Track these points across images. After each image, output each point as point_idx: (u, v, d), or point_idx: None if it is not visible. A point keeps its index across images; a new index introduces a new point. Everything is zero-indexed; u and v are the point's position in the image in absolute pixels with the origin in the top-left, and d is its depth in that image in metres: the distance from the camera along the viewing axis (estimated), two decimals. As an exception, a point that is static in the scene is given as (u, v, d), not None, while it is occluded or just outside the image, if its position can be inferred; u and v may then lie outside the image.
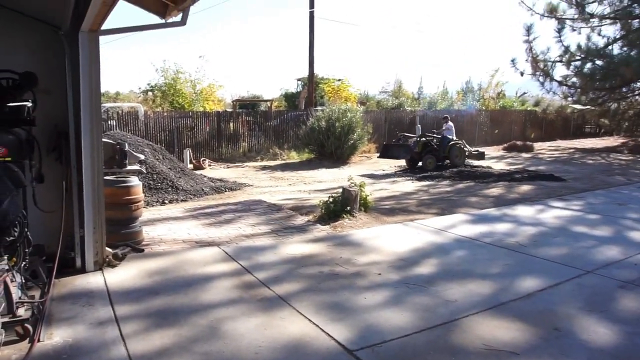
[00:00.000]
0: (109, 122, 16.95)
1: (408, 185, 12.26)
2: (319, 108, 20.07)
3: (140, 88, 30.18)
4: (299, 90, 31.57)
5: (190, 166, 15.50)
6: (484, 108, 29.01)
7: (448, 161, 15.26)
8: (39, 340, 3.33)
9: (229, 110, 25.36)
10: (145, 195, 9.86)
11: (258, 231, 7.02)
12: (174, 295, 4.34)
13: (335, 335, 3.61)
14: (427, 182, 12.52)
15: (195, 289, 4.52)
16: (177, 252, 5.80)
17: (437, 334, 3.65)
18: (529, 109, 28.83)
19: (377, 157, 16.65)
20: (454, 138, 15.75)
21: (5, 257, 3.48)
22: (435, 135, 15.84)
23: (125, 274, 4.85)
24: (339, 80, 25.14)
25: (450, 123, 16.12)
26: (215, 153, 18.36)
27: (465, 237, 6.52)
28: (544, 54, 19.72)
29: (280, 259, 5.58)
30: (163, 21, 5.37)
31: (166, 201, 9.73)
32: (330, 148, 16.57)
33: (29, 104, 4.26)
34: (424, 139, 15.34)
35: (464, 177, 13.00)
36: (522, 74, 20.55)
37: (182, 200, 9.96)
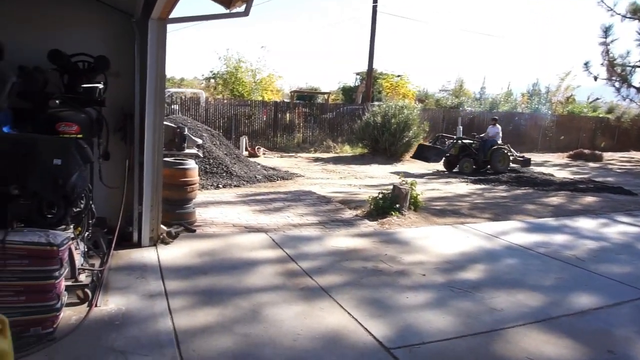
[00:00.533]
0: (172, 107, 17.74)
1: (462, 187, 11.90)
2: (376, 103, 19.87)
3: (203, 75, 31.28)
4: (357, 84, 31.40)
5: (245, 153, 15.93)
6: (550, 112, 27.47)
7: (489, 166, 14.50)
8: (96, 305, 3.58)
9: (287, 100, 25.74)
10: (200, 179, 10.26)
11: (306, 221, 7.10)
12: (220, 276, 4.50)
13: (373, 331, 3.60)
14: (482, 186, 12.10)
15: (241, 272, 4.66)
16: (226, 235, 6.00)
17: (478, 342, 3.54)
18: (600, 115, 27.00)
19: (411, 157, 16.05)
20: (499, 142, 14.90)
21: (72, 227, 3.76)
22: (475, 138, 15.09)
23: (177, 252, 5.09)
24: (398, 76, 24.78)
25: (497, 126, 15.27)
26: (270, 142, 18.73)
27: (518, 245, 6.25)
28: (623, 57, 18.30)
29: (325, 250, 5.62)
30: (227, 11, 5.54)
31: (220, 185, 10.07)
32: (384, 144, 16.41)
33: (101, 85, 4.55)
34: (460, 142, 14.63)
35: (522, 183, 12.43)
36: (595, 78, 19.20)
37: (235, 186, 10.26)
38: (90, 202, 3.93)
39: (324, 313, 3.88)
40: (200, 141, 7.82)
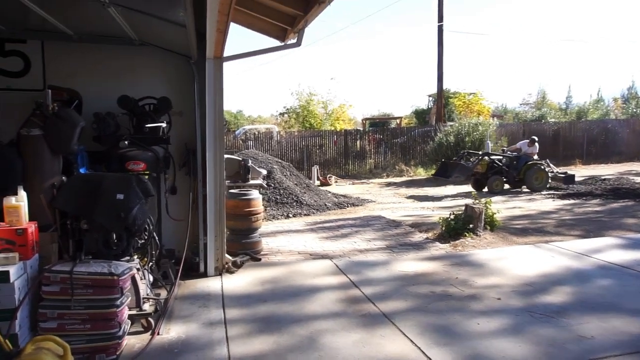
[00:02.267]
0: (247, 142, 18.62)
1: (547, 203, 10.93)
2: (449, 123, 19.26)
3: (277, 111, 32.66)
4: (430, 106, 30.82)
5: (317, 182, 16.12)
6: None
7: (525, 185, 12.95)
8: (158, 334, 3.70)
9: (360, 128, 25.87)
10: (271, 209, 10.53)
11: (373, 246, 6.91)
12: (280, 304, 4.46)
13: (437, 361, 3.31)
14: (571, 201, 11.02)
15: (301, 299, 4.59)
16: (290, 262, 6.00)
17: (561, 374, 3.10)
18: None
19: (432, 175, 14.58)
20: (535, 159, 13.29)
21: (136, 258, 3.98)
22: (505, 154, 13.61)
23: (240, 281, 5.16)
24: (471, 94, 23.90)
25: (536, 146, 13.64)
26: (342, 170, 18.82)
27: (613, 264, 5.51)
28: None
29: (391, 275, 5.38)
30: (282, 44, 5.74)
31: (290, 215, 10.20)
32: (459, 164, 15.69)
33: (164, 124, 4.87)
34: (487, 158, 13.12)
35: (620, 195, 11.13)
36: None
37: (305, 215, 10.34)
38: (154, 233, 4.13)
39: (384, 341, 3.66)
40: (264, 172, 8.04)
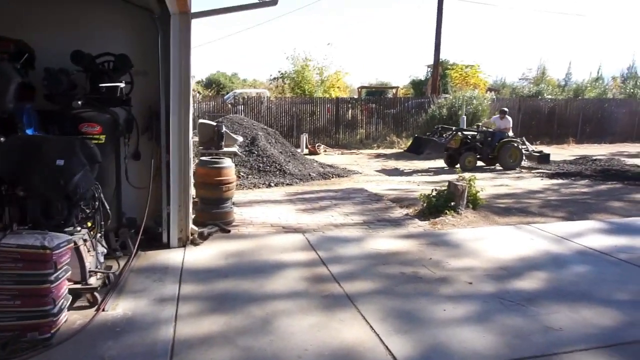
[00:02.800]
0: (237, 107, 18.12)
1: (535, 182, 10.73)
2: (444, 96, 18.80)
3: (271, 75, 31.83)
4: (427, 77, 30.15)
5: (305, 151, 15.80)
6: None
7: (498, 163, 12.66)
8: (103, 310, 3.48)
9: (355, 97, 25.29)
10: (253, 177, 10.26)
11: (349, 221, 6.69)
12: (240, 280, 4.25)
13: (394, 350, 3.12)
14: (559, 181, 10.82)
15: (264, 276, 4.38)
16: (260, 235, 5.77)
17: (522, 370, 2.93)
18: None
19: (404, 151, 14.11)
20: (510, 135, 12.96)
21: (84, 228, 3.71)
22: (479, 130, 13.21)
23: (203, 254, 4.93)
24: (469, 66, 23.26)
25: (508, 118, 13.29)
26: (332, 139, 18.46)
27: (593, 250, 5.34)
28: None
29: (363, 253, 5.18)
30: (258, 1, 5.31)
31: (272, 184, 9.94)
32: (451, 137, 15.37)
33: (122, 84, 4.50)
34: (460, 134, 12.74)
35: (609, 176, 10.95)
36: None
37: (287, 184, 10.08)
38: (104, 202, 3.84)
39: (342, 326, 3.47)
40: (240, 139, 7.72)
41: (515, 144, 12.79)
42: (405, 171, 12.52)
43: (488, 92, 21.24)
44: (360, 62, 76.08)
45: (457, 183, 7.11)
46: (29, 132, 3.97)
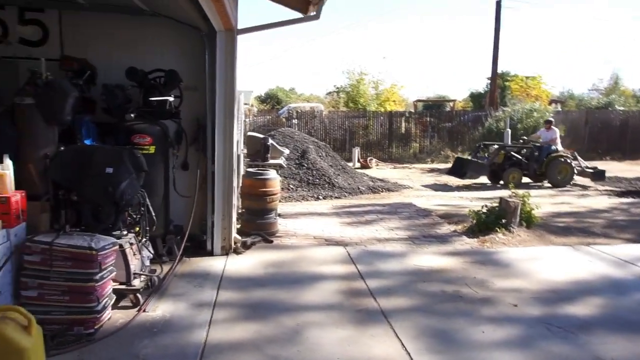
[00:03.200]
0: (291, 121, 18.49)
1: (601, 200, 9.98)
2: (503, 109, 18.09)
3: (327, 90, 32.25)
4: (487, 89, 29.20)
5: (357, 165, 15.76)
6: None
7: (547, 180, 11.59)
8: (144, 311, 3.65)
9: (411, 110, 24.99)
10: (302, 190, 10.37)
11: (394, 236, 6.57)
12: (277, 290, 4.30)
13: (423, 370, 3.01)
14: (630, 200, 9.98)
15: (300, 287, 4.40)
16: (302, 247, 5.81)
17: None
18: None
19: (446, 174, 13.06)
20: (559, 149, 11.85)
21: (131, 233, 3.93)
22: (526, 144, 12.20)
23: (244, 262, 5.05)
24: (530, 77, 22.19)
25: (554, 129, 12.16)
26: (385, 153, 18.28)
27: (661, 276, 4.87)
28: None
29: (403, 269, 5.06)
30: (301, 16, 5.45)
31: (320, 197, 9.98)
32: (509, 152, 14.70)
33: (171, 98, 4.76)
34: (503, 150, 11.83)
35: (691, 196, 9.95)
36: None
37: (335, 197, 10.09)
38: (150, 209, 4.06)
39: (372, 341, 3.40)
40: (287, 151, 7.85)
41: (565, 159, 11.80)
42: (455, 187, 12.08)
43: (552, 104, 20.18)
44: (417, 75, 75.18)
45: (509, 199, 6.78)
46: (86, 142, 4.30)
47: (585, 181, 12.16)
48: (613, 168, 15.65)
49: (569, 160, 11.80)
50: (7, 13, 4.93)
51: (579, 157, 12.40)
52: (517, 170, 11.74)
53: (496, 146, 12.45)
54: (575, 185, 11.90)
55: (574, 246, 6.08)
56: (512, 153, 11.94)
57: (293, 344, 3.31)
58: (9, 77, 4.34)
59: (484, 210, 6.84)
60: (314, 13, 5.20)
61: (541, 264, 5.29)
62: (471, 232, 6.69)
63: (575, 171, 11.85)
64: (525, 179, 11.95)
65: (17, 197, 3.18)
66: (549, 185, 11.75)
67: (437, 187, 11.93)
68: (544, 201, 9.50)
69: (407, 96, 33.06)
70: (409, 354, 3.22)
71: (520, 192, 7.21)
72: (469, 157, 12.70)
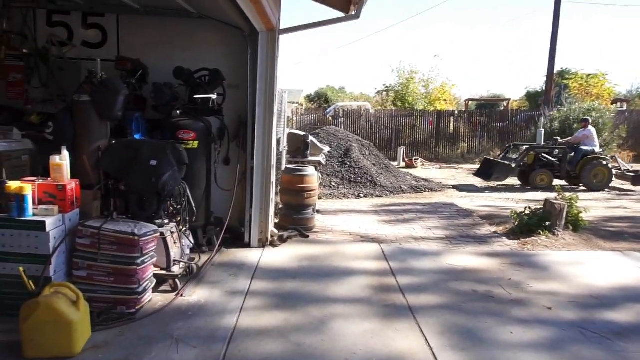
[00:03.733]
0: (338, 120, 18.64)
1: (663, 206, 9.35)
2: (559, 107, 17.26)
3: (376, 88, 32.09)
4: (544, 88, 27.89)
5: (402, 164, 15.64)
6: None
7: (582, 184, 10.89)
8: (182, 296, 3.90)
9: (462, 109, 24.40)
10: (344, 188, 10.48)
11: (431, 235, 6.53)
12: (307, 282, 4.43)
13: (444, 366, 3.04)
14: (697, 206, 9.28)
15: (331, 280, 4.51)
16: (337, 242, 5.92)
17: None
18: None
19: (473, 175, 12.59)
20: (596, 149, 11.09)
21: (173, 222, 4.21)
22: (559, 145, 11.49)
23: (279, 255, 5.23)
24: (591, 75, 20.95)
25: (590, 129, 11.33)
26: (432, 153, 18.02)
27: None
28: None
29: (436, 267, 5.05)
30: (342, 15, 5.55)
31: (362, 195, 10.04)
32: (562, 153, 14.03)
33: (214, 96, 5.02)
34: (532, 151, 11.29)
35: None
36: None
37: (377, 196, 10.11)
38: (190, 199, 4.32)
39: (396, 335, 3.45)
40: (327, 149, 7.97)
41: (603, 162, 11.18)
42: (501, 187, 11.70)
43: (617, 103, 18.98)
44: (471, 74, 72.92)
45: (555, 201, 6.54)
46: (136, 137, 4.64)
47: (628, 185, 11.45)
48: (681, 172, 14.54)
49: (605, 163, 11.15)
50: (73, 18, 5.39)
51: (619, 160, 11.81)
52: (547, 172, 11.32)
53: (526, 147, 11.99)
54: (614, 188, 11.24)
55: (623, 252, 5.79)
56: (543, 154, 11.49)
57: (318, 333, 3.43)
58: (73, 76, 4.78)
59: (527, 212, 6.65)
60: (354, 12, 5.27)
61: (584, 268, 5.09)
62: (512, 234, 6.52)
63: (614, 174, 11.20)
64: (559, 182, 11.43)
65: (72, 186, 3.52)
66: (584, 188, 11.16)
67: (482, 189, 11.63)
68: (598, 205, 9.06)
69: (460, 95, 32.30)
70: (431, 349, 3.25)
71: (567, 194, 6.92)
72: (498, 158, 12.37)
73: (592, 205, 8.14)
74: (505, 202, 9.65)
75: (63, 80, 4.70)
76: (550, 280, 4.71)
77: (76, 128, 3.88)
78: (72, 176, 3.59)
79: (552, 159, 11.43)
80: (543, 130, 12.87)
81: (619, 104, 20.78)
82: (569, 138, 12.03)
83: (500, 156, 12.58)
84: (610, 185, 11.29)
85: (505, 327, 3.64)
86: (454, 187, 11.66)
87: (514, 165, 11.53)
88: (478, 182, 12.41)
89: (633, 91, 30.16)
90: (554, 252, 5.77)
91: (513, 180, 12.13)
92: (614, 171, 11.27)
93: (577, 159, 11.24)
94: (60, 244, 3.37)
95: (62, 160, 3.50)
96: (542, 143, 12.20)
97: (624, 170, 11.60)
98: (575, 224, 6.58)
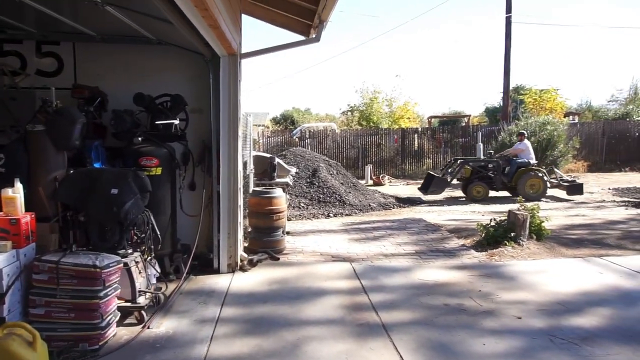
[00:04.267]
0: (305, 141, 18.74)
1: (619, 212, 9.79)
2: (516, 122, 17.98)
3: (340, 109, 32.56)
4: (502, 103, 29.05)
5: (370, 182, 15.81)
6: None
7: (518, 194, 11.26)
8: (148, 327, 3.75)
9: (422, 127, 25.03)
10: (313, 208, 10.46)
11: (401, 251, 6.58)
12: (279, 305, 4.35)
13: (420, 382, 3.02)
14: (649, 211, 9.77)
15: (303, 302, 4.45)
16: (308, 263, 5.87)
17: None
18: None
19: (418, 189, 13.11)
20: (531, 161, 11.83)
21: (137, 252, 4.07)
22: (491, 158, 12.32)
23: (249, 279, 5.12)
24: (544, 90, 22.02)
25: (525, 142, 12.12)
26: (398, 170, 18.32)
27: (672, 286, 4.76)
28: None
29: (408, 283, 5.07)
30: (303, 39, 5.63)
31: (331, 214, 10.05)
32: (523, 165, 14.58)
33: (176, 121, 4.95)
34: (467, 165, 12.03)
35: None
36: None
37: (346, 215, 10.15)
38: (156, 228, 4.20)
39: (370, 354, 3.42)
40: (294, 170, 7.98)
41: (536, 172, 11.72)
42: (466, 201, 12.03)
43: (568, 116, 19.96)
44: (431, 92, 75.30)
45: (517, 212, 6.74)
46: (96, 165, 4.50)
47: (564, 194, 12.13)
48: (633, 179, 15.34)
49: (540, 174, 11.72)
50: (25, 47, 5.23)
51: (556, 170, 12.47)
52: (483, 185, 11.91)
53: (460, 161, 12.65)
54: (552, 197, 11.86)
55: (585, 258, 5.99)
56: (478, 167, 12.10)
57: (292, 357, 3.35)
58: (27, 106, 4.59)
59: (492, 223, 6.81)
60: (315, 36, 5.37)
61: (549, 276, 5.22)
62: (480, 246, 6.65)
63: (549, 184, 11.79)
64: (498, 193, 12.11)
65: (27, 219, 3.36)
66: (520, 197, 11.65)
67: (449, 202, 11.89)
68: (558, 213, 9.39)
69: (422, 113, 33.19)
70: (406, 366, 3.23)
71: (529, 204, 7.15)
72: (437, 174, 13.02)
73: (553, 214, 8.41)
74: (471, 215, 9.87)
75: (16, 110, 4.52)
76: (518, 290, 4.81)
77: (30, 159, 3.73)
78: (27, 209, 3.43)
79: (487, 172, 12.00)
80: (482, 145, 14.08)
81: (570, 117, 21.84)
82: (507, 150, 12.71)
83: (443, 171, 13.11)
84: (547, 195, 11.82)
85: (478, 339, 3.67)
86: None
87: (449, 179, 12.20)
88: (445, 195, 12.70)
89: (583, 104, 31.78)
90: (520, 261, 5.91)
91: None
92: (549, 182, 11.82)
93: (512, 171, 11.81)
94: (15, 281, 3.19)
95: (15, 192, 3.35)
96: (482, 157, 12.80)
97: (560, 180, 12.21)
98: (539, 233, 6.78)
